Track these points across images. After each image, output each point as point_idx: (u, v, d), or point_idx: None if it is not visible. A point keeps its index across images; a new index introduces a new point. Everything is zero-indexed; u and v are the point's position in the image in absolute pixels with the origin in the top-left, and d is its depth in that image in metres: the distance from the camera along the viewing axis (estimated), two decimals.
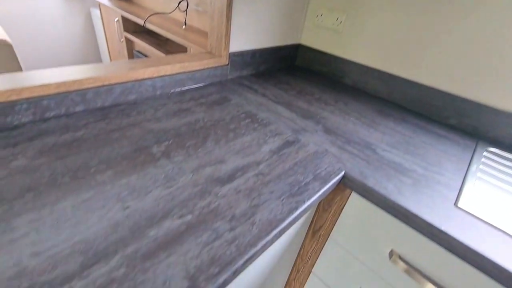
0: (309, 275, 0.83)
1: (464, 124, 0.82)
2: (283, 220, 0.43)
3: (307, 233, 0.76)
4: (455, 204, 0.52)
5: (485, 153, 0.70)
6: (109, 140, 0.54)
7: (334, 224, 0.68)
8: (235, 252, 0.37)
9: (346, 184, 0.57)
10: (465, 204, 0.52)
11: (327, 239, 0.72)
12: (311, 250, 0.79)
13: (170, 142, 0.57)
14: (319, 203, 0.68)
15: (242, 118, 0.70)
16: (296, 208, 0.46)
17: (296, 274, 0.90)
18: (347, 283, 0.71)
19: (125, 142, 0.54)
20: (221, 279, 0.34)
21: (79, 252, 0.34)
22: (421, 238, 0.51)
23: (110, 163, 0.49)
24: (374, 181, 0.55)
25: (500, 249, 0.44)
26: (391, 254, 0.56)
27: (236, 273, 0.36)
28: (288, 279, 0.94)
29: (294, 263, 0.88)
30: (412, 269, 0.53)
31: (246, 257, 0.37)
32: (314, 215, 0.70)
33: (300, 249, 0.82)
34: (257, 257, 0.40)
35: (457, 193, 0.55)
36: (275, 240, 0.42)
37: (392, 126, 0.78)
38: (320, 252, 0.76)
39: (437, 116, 0.87)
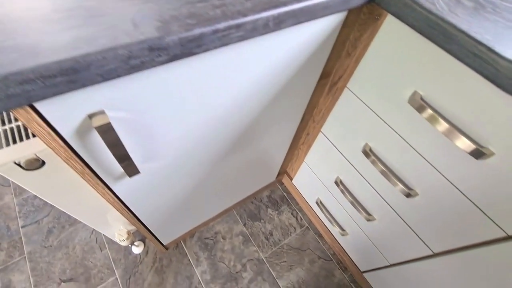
0: (317, 136, 0.82)
1: None
2: (286, 4, 0.36)
3: (320, 88, 0.69)
4: None
5: None
6: None
7: (353, 72, 0.60)
8: (220, 14, 0.32)
9: (381, 3, 0.45)
10: None
11: (342, 92, 0.65)
12: (324, 108, 0.74)
13: None
14: (343, 46, 0.58)
15: None
16: None
17: (305, 138, 0.90)
18: (356, 140, 0.68)
19: None
20: (197, 31, 0.30)
21: None
22: (457, 69, 0.42)
23: None
24: None
25: None
26: (413, 96, 0.49)
27: (216, 33, 0.32)
28: (296, 144, 0.95)
29: (305, 127, 0.86)
30: (436, 114, 0.46)
31: (232, 22, 0.32)
32: (333, 62, 0.62)
33: (313, 109, 0.78)
34: (245, 35, 0.34)
35: None
36: (271, 25, 0.36)
37: None
38: (332, 109, 0.71)
39: None
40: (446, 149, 0.48)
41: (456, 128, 0.44)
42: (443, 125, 0.45)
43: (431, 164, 0.52)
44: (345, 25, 0.51)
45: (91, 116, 0.32)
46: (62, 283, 0.88)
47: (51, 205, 1.02)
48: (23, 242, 0.94)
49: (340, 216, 0.90)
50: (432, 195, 0.55)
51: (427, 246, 0.62)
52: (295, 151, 1.00)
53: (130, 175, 0.44)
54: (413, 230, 0.64)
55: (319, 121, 0.79)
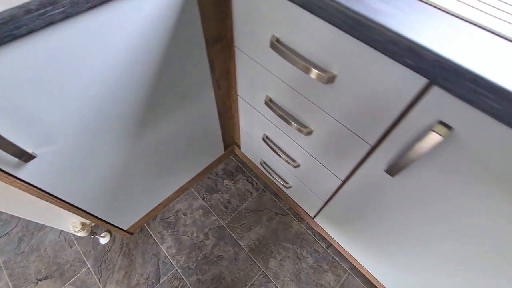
0: (237, 100, 0.87)
1: None
2: None
3: (221, 52, 0.73)
4: None
5: None
6: None
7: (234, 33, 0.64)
8: None
9: None
10: None
11: (235, 52, 0.69)
12: (233, 72, 0.79)
13: None
14: (219, 8, 0.61)
15: None
16: None
17: (233, 105, 0.95)
18: (259, 94, 0.73)
19: None
20: (6, 13, 0.34)
21: None
22: (293, 8, 0.46)
23: None
24: None
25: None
26: (272, 40, 0.53)
27: (30, 13, 0.36)
28: (230, 112, 1.00)
29: (229, 94, 0.91)
30: (290, 52, 0.51)
31: (43, 0, 0.36)
32: (220, 25, 0.65)
33: (229, 75, 0.83)
34: (67, 10, 0.38)
35: None
36: None
37: None
38: (236, 72, 0.76)
39: None
40: (309, 83, 0.53)
41: (306, 61, 0.49)
42: (297, 62, 0.50)
43: (308, 99, 0.57)
44: None
45: None
46: (39, 282, 0.95)
47: (18, 216, 1.07)
48: None
49: (280, 171, 0.96)
50: (321, 128, 0.61)
51: (335, 175, 0.68)
52: (233, 120, 1.05)
53: (25, 161, 0.49)
54: (322, 164, 0.70)
55: (235, 86, 0.83)
